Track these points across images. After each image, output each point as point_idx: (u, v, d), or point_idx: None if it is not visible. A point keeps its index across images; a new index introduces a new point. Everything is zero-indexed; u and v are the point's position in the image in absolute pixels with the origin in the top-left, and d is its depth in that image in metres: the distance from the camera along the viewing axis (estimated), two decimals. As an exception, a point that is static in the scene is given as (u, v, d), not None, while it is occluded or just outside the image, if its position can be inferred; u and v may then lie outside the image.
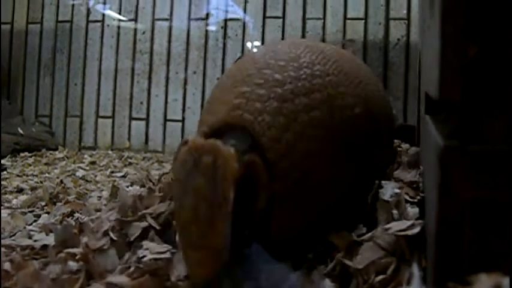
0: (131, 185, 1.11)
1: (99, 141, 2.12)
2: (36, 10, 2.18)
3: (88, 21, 2.15)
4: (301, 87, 0.62)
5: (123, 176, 1.50)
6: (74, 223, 0.77)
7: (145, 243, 0.65)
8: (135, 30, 2.11)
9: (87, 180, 1.43)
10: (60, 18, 2.17)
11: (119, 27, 2.12)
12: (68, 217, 0.93)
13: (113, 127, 2.11)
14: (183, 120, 2.06)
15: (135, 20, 2.11)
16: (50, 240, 0.71)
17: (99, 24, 2.14)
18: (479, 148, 0.38)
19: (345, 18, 1.93)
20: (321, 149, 0.61)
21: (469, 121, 0.39)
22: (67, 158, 1.85)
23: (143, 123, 2.09)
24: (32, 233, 0.79)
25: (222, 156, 0.54)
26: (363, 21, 1.91)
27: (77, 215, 0.94)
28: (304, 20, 1.97)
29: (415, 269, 0.39)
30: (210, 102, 0.70)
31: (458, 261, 0.39)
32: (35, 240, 0.73)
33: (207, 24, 2.06)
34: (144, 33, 2.10)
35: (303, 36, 1.96)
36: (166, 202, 0.76)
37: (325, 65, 0.66)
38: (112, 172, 1.56)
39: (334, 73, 0.66)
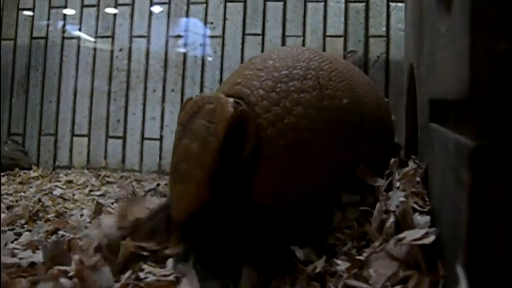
0: (116, 201, 1.07)
1: (74, 161, 2.06)
2: (10, 26, 2.12)
3: (63, 38, 2.10)
4: (296, 74, 0.74)
5: (102, 195, 1.46)
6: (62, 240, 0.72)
7: (147, 267, 0.62)
8: (112, 47, 2.07)
9: (65, 199, 1.39)
10: (34, 35, 2.12)
11: (95, 44, 2.08)
12: (51, 235, 0.89)
13: (88, 146, 2.06)
14: (161, 139, 2.02)
15: (112, 37, 2.07)
16: (37, 257, 0.67)
17: (74, 41, 2.10)
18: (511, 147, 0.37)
19: (325, 35, 1.94)
20: (308, 125, 0.70)
21: (499, 119, 0.38)
22: (42, 177, 1.79)
23: (120, 141, 2.04)
24: (16, 251, 0.75)
25: (220, 103, 0.64)
26: (343, 38, 1.92)
27: (60, 232, 0.90)
28: (283, 37, 1.97)
29: (461, 274, 0.37)
30: (220, 86, 0.82)
31: (492, 265, 0.37)
32: (21, 258, 0.69)
33: (185, 42, 2.04)
34: (121, 50, 2.07)
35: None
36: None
37: (320, 63, 0.78)
38: (91, 191, 1.51)
39: (327, 70, 0.77)
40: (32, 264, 0.64)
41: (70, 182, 1.67)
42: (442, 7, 0.56)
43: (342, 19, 1.93)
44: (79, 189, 1.55)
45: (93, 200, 1.40)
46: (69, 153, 2.07)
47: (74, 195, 1.44)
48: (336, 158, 0.74)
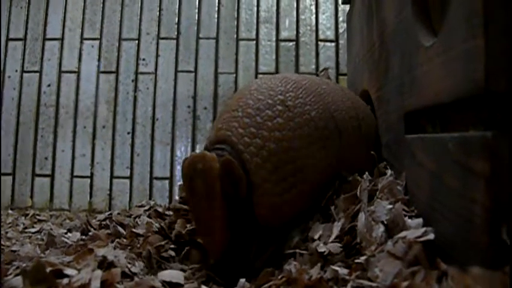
0: (69, 231, 1.03)
1: (-4, 200, 1.94)
2: None
3: (-14, 73, 2.01)
4: (266, 104, 0.83)
5: (39, 232, 1.38)
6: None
7: None
8: (40, 82, 2.01)
9: (-3, 237, 1.30)
10: (-45, 68, 2.01)
11: (21, 79, 2.01)
12: (6, 265, 0.83)
13: (13, 184, 1.95)
14: (91, 176, 1.96)
15: (40, 71, 2.01)
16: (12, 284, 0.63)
17: (-1, 75, 2.01)
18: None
19: (257, 72, 1.99)
20: (287, 146, 0.79)
21: (512, 112, 0.42)
22: (-37, 217, 1.67)
23: (48, 179, 1.95)
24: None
25: (207, 161, 0.76)
26: (275, 75, 1.97)
27: (15, 263, 0.85)
28: (216, 74, 2.00)
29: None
30: (209, 133, 0.90)
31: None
32: (-11, 285, 0.64)
33: (117, 78, 2.01)
34: (49, 85, 2.00)
35: (215, 90, 1.98)
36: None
37: (286, 85, 0.87)
38: (25, 228, 1.43)
39: (293, 90, 0.86)
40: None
41: (-2, 221, 1.56)
42: (422, 27, 0.61)
43: (274, 57, 2.00)
44: (10, 227, 1.46)
45: (29, 237, 1.33)
46: (-9, 192, 1.95)
47: (6, 233, 1.36)
48: (320, 166, 0.82)
